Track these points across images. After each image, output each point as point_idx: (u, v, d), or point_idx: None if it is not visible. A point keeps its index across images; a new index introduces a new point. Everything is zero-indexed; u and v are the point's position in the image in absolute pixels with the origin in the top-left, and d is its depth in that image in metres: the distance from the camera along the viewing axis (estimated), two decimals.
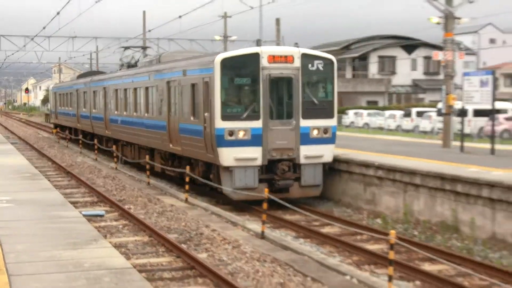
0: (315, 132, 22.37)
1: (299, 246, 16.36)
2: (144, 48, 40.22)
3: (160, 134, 27.64)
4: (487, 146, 25.13)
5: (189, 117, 24.39)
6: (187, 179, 23.50)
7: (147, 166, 28.42)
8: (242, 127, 21.62)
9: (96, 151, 39.16)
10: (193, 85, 24.03)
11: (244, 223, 19.00)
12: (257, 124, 21.70)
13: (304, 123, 22.23)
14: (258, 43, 24.13)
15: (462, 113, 28.59)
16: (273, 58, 22.00)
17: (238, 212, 21.84)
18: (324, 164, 22.83)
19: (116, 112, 36.21)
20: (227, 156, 21.37)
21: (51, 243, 12.16)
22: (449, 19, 27.21)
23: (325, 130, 22.63)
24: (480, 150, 25.63)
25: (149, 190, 25.69)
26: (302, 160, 22.02)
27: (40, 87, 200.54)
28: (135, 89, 32.38)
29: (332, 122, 23.03)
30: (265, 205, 18.08)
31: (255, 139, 21.57)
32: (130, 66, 38.75)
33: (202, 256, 14.90)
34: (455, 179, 18.20)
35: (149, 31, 66.01)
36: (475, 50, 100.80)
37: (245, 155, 21.40)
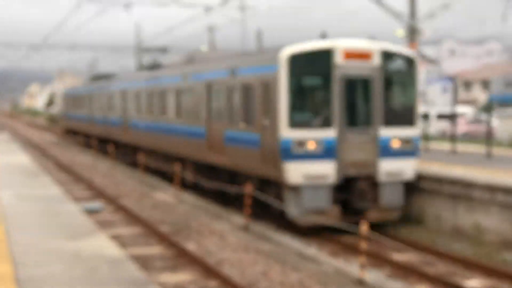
0: (396, 143, 17.71)
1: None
2: (163, 50, 36.12)
3: (196, 142, 22.65)
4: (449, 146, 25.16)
5: (240, 124, 19.47)
6: (245, 199, 17.95)
7: (177, 176, 23.92)
8: (313, 136, 16.97)
9: (108, 155, 35.10)
10: (245, 86, 19.31)
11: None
12: (330, 133, 17.06)
13: (384, 132, 17.63)
14: (324, 35, 18.74)
15: (425, 116, 29.04)
16: (349, 55, 17.57)
17: (303, 239, 16.98)
18: (405, 182, 18.09)
19: (137, 117, 31.11)
20: (295, 172, 16.67)
21: (52, 234, 12.07)
22: (413, 32, 27.33)
23: (407, 141, 17.94)
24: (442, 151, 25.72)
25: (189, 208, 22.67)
26: (382, 177, 17.35)
27: (43, 92, 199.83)
28: (163, 91, 27.14)
29: (414, 131, 18.32)
30: (363, 243, 13.03)
31: (328, 152, 16.94)
32: (151, 68, 32.95)
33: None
34: None
35: (144, 42, 66.10)
36: (436, 60, 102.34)
37: (316, 171, 16.82)
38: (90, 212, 18.86)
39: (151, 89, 29.11)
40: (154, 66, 32.49)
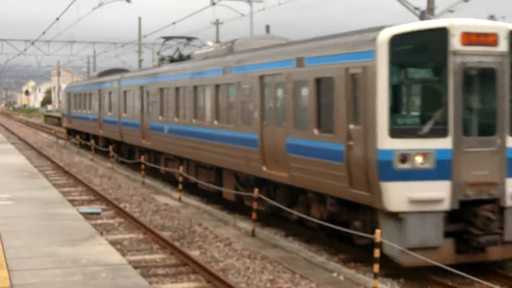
0: None
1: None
2: (189, 38, 28.89)
3: (243, 151, 18.40)
4: None
5: (311, 131, 15.40)
6: (253, 204, 16.72)
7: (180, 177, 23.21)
8: (422, 148, 13.26)
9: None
10: (320, 80, 15.26)
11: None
12: (445, 143, 13.29)
13: None
14: (424, 15, 16.05)
15: None
16: (470, 38, 13.56)
17: (313, 245, 16.25)
18: None
19: (160, 118, 26.39)
20: (396, 195, 12.99)
21: (49, 239, 12.07)
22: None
23: None
24: None
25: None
26: (510, 202, 13.55)
27: (39, 89, 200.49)
28: (196, 87, 22.71)
29: None
30: (377, 252, 12.27)
31: (441, 168, 13.23)
32: (175, 60, 28.52)
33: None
34: None
35: (145, 36, 66.02)
36: None
37: (425, 193, 13.12)
38: (89, 215, 18.86)
39: (179, 85, 24.54)
40: (180, 58, 28.25)
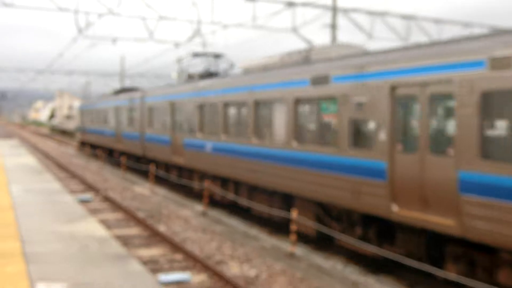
0: None
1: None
2: (217, 56, 23.27)
3: (350, 181, 11.39)
4: None
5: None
6: (204, 192, 16.19)
7: (151, 174, 22.01)
8: None
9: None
10: None
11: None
12: None
13: None
14: None
15: None
16: None
17: (247, 222, 15.79)
18: None
19: (199, 135, 18.90)
20: None
21: (52, 219, 12.00)
22: None
23: None
24: None
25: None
26: None
27: (46, 107, 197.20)
28: (257, 103, 15.27)
29: None
30: (294, 226, 11.82)
31: None
32: (206, 76, 21.37)
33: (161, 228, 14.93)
34: None
35: (127, 69, 65.78)
36: None
37: None
38: (83, 201, 18.76)
39: (229, 100, 16.95)
40: (205, 75, 21.58)
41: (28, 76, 71.08)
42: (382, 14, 27.02)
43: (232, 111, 17.16)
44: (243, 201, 16.24)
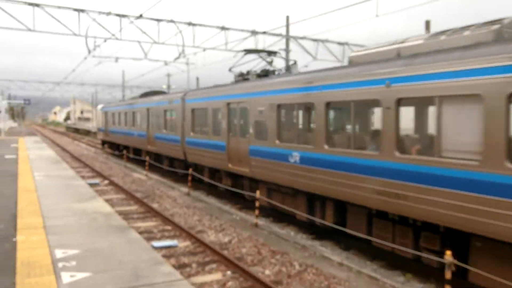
0: None
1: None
2: (271, 52, 16.55)
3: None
4: None
5: None
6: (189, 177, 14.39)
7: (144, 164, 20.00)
8: None
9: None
10: None
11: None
12: None
13: None
14: None
15: None
16: None
17: (222, 200, 15.02)
18: None
19: (278, 143, 11.81)
20: None
21: (67, 199, 11.67)
22: None
23: None
24: None
25: None
26: None
27: (63, 111, 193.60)
28: (364, 104, 9.31)
29: None
30: (257, 203, 11.23)
31: None
32: (263, 74, 14.92)
33: (154, 205, 14.70)
34: None
35: (127, 82, 64.93)
36: None
37: None
38: (92, 185, 18.34)
39: (351, 99, 9.31)
40: (260, 75, 14.82)
41: (48, 86, 69.59)
42: (323, 41, 27.19)
43: (338, 113, 10.83)
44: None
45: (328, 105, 9.96)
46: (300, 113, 11.33)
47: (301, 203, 11.32)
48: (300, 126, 11.43)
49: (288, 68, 14.80)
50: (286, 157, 11.28)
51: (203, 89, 17.62)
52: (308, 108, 10.91)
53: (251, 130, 13.17)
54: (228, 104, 14.67)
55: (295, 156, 10.96)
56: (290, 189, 11.61)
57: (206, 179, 16.22)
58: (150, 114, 23.87)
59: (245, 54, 16.39)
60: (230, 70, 16.74)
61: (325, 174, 9.89)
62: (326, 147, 9.93)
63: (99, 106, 39.11)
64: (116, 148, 32.92)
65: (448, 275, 6.56)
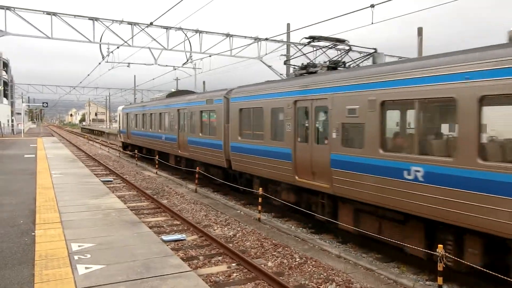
0: None
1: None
2: (338, 40, 11.85)
3: None
4: None
5: None
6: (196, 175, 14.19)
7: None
8: None
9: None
10: None
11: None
12: None
13: None
14: None
15: None
16: None
17: (227, 196, 14.87)
18: None
19: (394, 154, 7.73)
20: None
21: (83, 195, 11.69)
22: None
23: None
24: None
25: None
26: None
27: (78, 113, 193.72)
28: None
29: None
30: (260, 199, 11.01)
31: None
32: (333, 68, 11.15)
33: (164, 201, 14.69)
34: None
35: (138, 85, 65.06)
36: None
37: None
38: (105, 182, 18.35)
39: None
40: (335, 65, 11.44)
41: (64, 90, 69.70)
42: (322, 47, 27.05)
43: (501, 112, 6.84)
44: None
45: (484, 100, 6.45)
46: (423, 112, 7.58)
47: (415, 233, 8.04)
48: (421, 130, 7.60)
49: (372, 58, 10.82)
50: (397, 172, 7.80)
51: (253, 86, 13.56)
52: (441, 105, 7.46)
53: (334, 135, 9.57)
54: (296, 102, 11.01)
55: (415, 171, 7.45)
56: (397, 213, 8.23)
57: (258, 192, 12.32)
58: (181, 115, 19.75)
59: (309, 42, 12.32)
60: (285, 62, 13.66)
61: (473, 199, 6.54)
62: (479, 161, 6.45)
63: (120, 107, 34.25)
64: (139, 152, 28.27)
65: (440, 267, 6.53)
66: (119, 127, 34.10)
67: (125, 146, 32.89)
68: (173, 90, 27.40)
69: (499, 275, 6.43)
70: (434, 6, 15.36)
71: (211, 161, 16.53)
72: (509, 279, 6.30)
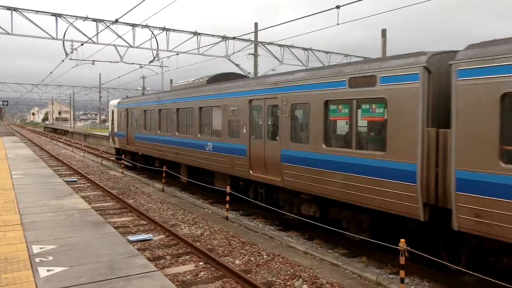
0: None
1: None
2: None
3: None
4: None
5: None
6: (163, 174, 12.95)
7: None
8: None
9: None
10: None
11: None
12: None
13: None
14: None
15: None
16: None
17: (194, 195, 14.20)
18: None
19: None
20: None
21: (45, 196, 11.33)
22: None
23: None
24: None
25: None
26: None
27: (40, 112, 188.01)
28: None
29: None
30: (228, 197, 11.10)
31: None
32: None
33: (130, 201, 14.43)
34: None
35: (103, 84, 63.50)
36: None
37: None
38: (69, 182, 17.86)
39: None
40: None
41: (26, 88, 67.36)
42: (289, 46, 27.32)
43: None
44: None
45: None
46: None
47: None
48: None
49: None
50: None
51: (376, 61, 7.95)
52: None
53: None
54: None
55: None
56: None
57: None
58: (263, 111, 11.03)
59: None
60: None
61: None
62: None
63: (114, 101, 24.87)
64: (146, 162, 20.57)
65: (402, 260, 6.71)
66: (112, 128, 24.40)
67: (119, 152, 24.27)
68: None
69: (465, 269, 6.71)
70: (397, 8, 15.74)
71: (268, 181, 10.79)
72: (487, 275, 6.35)
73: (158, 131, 17.70)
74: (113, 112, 24.38)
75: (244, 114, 11.75)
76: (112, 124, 24.42)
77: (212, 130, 13.68)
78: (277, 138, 10.46)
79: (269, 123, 10.89)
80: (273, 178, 10.59)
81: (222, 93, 13.00)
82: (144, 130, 19.45)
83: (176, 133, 16.05)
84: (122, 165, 22.48)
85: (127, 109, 21.93)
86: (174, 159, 16.33)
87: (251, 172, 11.56)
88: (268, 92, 10.75)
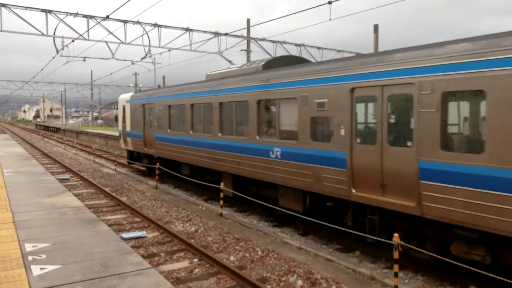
0: None
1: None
2: None
3: None
4: None
5: None
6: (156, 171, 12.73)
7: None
8: None
9: None
10: None
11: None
12: None
13: None
14: None
15: None
16: None
17: (188, 192, 13.94)
18: None
19: None
20: None
21: (37, 194, 11.23)
22: None
23: None
24: None
25: None
26: None
27: (32, 109, 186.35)
28: None
29: None
30: (221, 194, 11.27)
31: None
32: None
33: (123, 198, 14.36)
34: None
35: (95, 81, 63.07)
36: None
37: None
38: (62, 180, 17.74)
39: None
40: None
41: (17, 85, 66.77)
42: (281, 42, 27.29)
43: None
44: None
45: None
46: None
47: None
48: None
49: None
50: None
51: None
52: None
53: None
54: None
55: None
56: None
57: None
58: (357, 102, 8.25)
59: None
60: None
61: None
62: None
63: (125, 96, 20.85)
64: (170, 167, 16.97)
65: (396, 255, 6.73)
66: (123, 126, 20.55)
67: (133, 156, 20.60)
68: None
69: (461, 264, 6.70)
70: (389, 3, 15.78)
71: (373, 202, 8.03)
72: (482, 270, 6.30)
73: (191, 131, 14.12)
74: (124, 108, 20.26)
75: (341, 108, 8.30)
76: (124, 122, 20.25)
77: (280, 130, 10.27)
78: (409, 143, 7.13)
79: (392, 121, 7.54)
80: (398, 202, 7.30)
81: (299, 80, 9.37)
82: (168, 130, 15.78)
83: (219, 135, 12.44)
84: (115, 163, 22.33)
85: (143, 104, 17.90)
86: (213, 167, 12.87)
87: (353, 191, 8.17)
88: (389, 76, 7.39)
